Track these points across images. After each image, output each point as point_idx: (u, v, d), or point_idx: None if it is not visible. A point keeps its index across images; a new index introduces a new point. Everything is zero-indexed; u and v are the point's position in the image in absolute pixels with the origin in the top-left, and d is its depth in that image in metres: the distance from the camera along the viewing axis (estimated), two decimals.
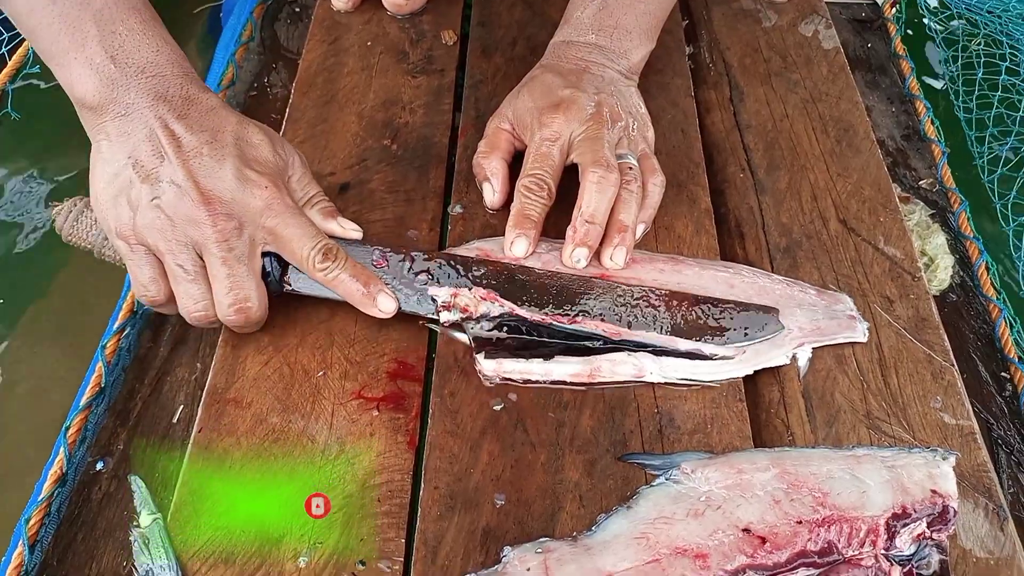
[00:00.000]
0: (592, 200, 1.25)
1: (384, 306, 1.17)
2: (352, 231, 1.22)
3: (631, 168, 1.30)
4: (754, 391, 1.22)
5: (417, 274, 1.21)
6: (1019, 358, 1.35)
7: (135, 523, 1.07)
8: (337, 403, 1.15)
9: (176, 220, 1.09)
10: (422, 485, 1.08)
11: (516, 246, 1.27)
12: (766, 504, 1.04)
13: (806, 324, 1.23)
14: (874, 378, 1.20)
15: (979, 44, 1.87)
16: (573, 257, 1.25)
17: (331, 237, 1.20)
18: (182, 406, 1.23)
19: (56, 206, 1.24)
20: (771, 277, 1.29)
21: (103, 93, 1.10)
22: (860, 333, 1.23)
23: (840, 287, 1.29)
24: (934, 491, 1.05)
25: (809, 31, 1.70)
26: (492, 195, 1.35)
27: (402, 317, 1.21)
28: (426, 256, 1.23)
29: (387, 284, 1.19)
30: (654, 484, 1.07)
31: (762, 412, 1.20)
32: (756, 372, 1.21)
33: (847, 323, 1.23)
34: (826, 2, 1.81)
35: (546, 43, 1.53)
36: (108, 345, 1.24)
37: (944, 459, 1.08)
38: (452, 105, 1.55)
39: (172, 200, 1.08)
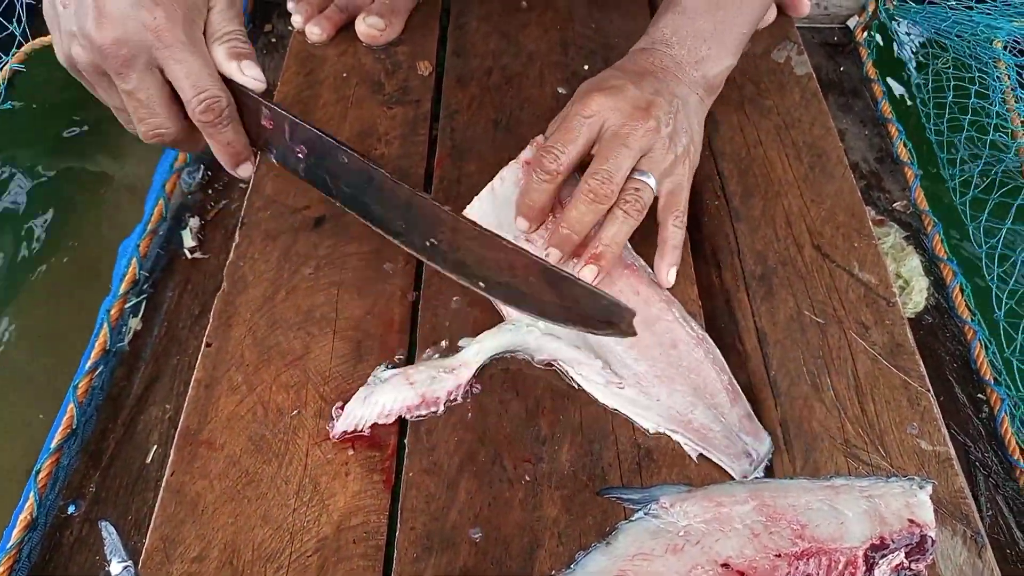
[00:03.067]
0: (576, 211, 1.19)
1: (242, 173, 1.23)
2: (253, 80, 1.20)
3: (638, 190, 1.21)
4: None
5: (297, 144, 1.21)
6: (994, 379, 1.34)
7: (105, 570, 1.03)
8: (312, 442, 1.11)
9: (90, 51, 1.10)
10: (398, 526, 1.04)
11: (519, 223, 1.24)
12: (745, 537, 1.02)
13: (695, 420, 1.16)
14: (851, 405, 1.17)
15: (948, 67, 1.85)
16: (547, 253, 1.21)
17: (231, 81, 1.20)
18: (156, 446, 1.20)
19: None
20: (719, 369, 1.20)
21: None
22: (738, 472, 1.13)
23: (815, 313, 1.26)
24: (911, 520, 1.03)
25: (782, 57, 1.68)
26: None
27: (378, 358, 1.18)
28: (309, 133, 1.19)
29: (267, 144, 1.24)
30: (632, 519, 1.05)
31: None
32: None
33: (737, 454, 1.14)
34: (799, 27, 1.79)
35: (521, 73, 1.54)
36: (80, 385, 1.22)
37: (921, 488, 1.06)
38: (428, 135, 1.51)
39: (79, 26, 1.09)
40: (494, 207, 1.27)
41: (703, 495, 1.06)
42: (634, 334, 1.12)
